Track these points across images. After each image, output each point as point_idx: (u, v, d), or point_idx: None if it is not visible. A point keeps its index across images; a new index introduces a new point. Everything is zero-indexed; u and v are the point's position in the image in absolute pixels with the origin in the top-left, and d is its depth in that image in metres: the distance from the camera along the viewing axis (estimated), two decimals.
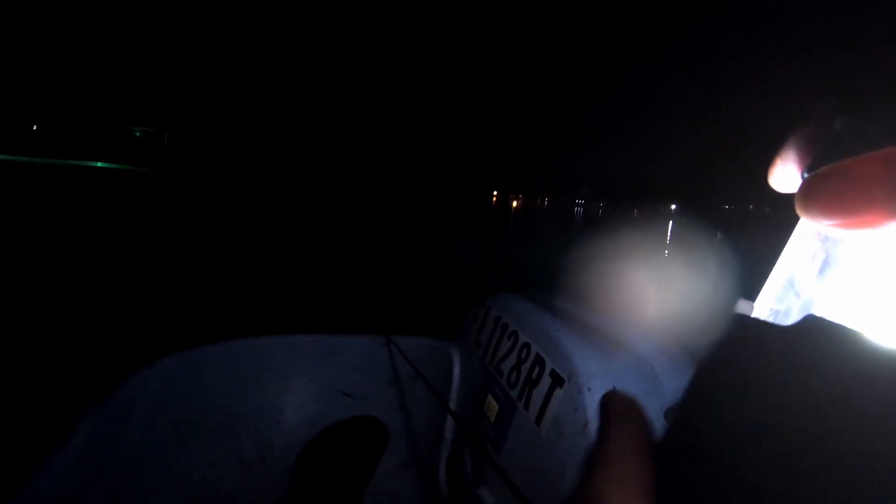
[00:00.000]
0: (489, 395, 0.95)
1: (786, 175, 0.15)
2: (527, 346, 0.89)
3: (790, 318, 0.15)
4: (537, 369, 0.83)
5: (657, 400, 0.68)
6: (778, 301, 0.16)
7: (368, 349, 1.16)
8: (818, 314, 0.13)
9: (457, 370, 1.13)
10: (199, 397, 1.00)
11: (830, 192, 0.13)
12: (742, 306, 0.16)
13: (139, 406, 0.90)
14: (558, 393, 0.76)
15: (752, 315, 0.15)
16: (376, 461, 1.08)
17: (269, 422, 1.05)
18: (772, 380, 0.13)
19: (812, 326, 0.13)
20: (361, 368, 1.15)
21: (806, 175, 0.15)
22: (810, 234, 0.15)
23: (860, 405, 0.11)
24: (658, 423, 0.16)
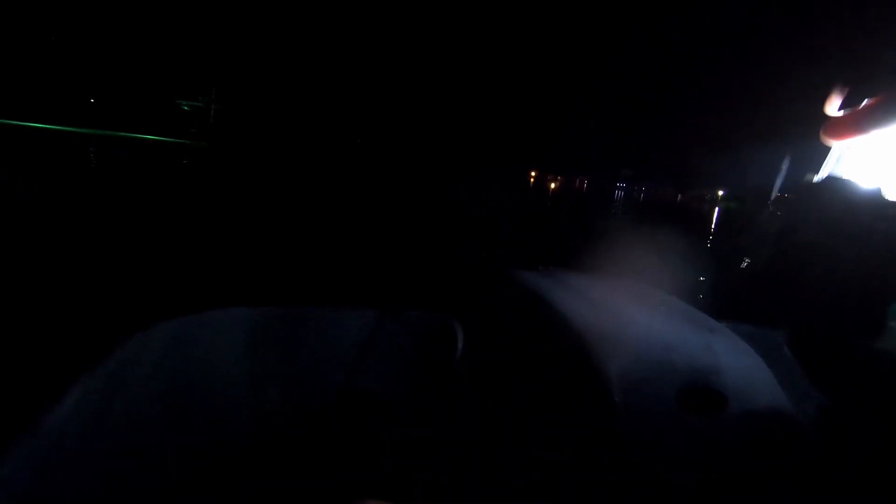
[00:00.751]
0: (494, 373, 0.93)
1: (830, 109, 0.33)
2: (538, 322, 0.86)
3: None
4: (551, 346, 0.81)
5: (675, 366, 0.65)
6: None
7: (369, 322, 1.16)
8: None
9: (461, 345, 1.12)
10: (197, 364, 1.00)
11: (831, 129, 0.34)
12: (808, 177, 0.36)
13: (135, 370, 0.90)
14: (572, 369, 0.74)
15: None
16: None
17: (270, 391, 1.05)
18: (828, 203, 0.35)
19: (834, 180, 0.35)
20: (363, 341, 1.15)
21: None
22: (836, 147, 0.35)
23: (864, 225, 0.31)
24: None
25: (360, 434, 1.06)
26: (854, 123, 0.33)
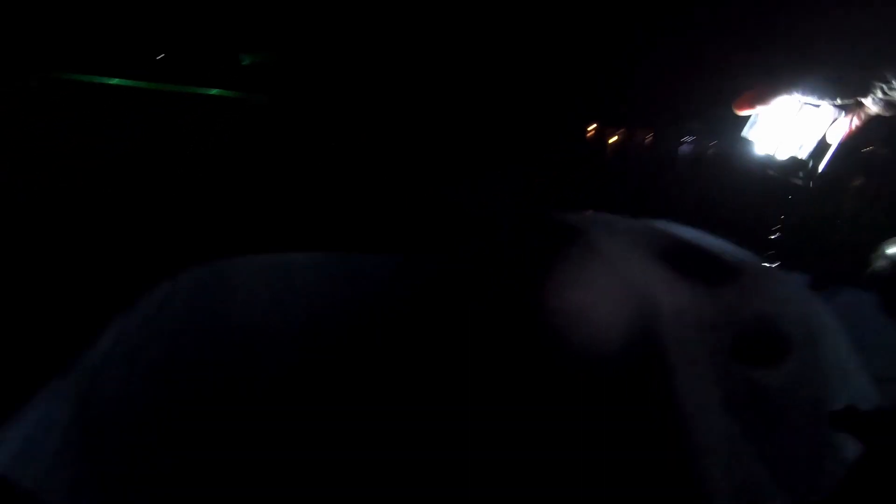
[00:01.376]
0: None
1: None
2: (578, 266, 0.82)
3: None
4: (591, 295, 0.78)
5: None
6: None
7: (395, 268, 1.08)
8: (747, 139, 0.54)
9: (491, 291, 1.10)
10: (226, 311, 1.01)
11: (739, 102, 0.51)
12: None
13: (168, 312, 0.85)
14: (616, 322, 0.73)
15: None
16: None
17: (299, 340, 1.01)
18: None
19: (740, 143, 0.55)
20: (389, 291, 1.08)
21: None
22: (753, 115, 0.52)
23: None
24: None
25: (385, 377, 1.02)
26: (754, 98, 0.51)
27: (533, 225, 1.03)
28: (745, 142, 0.56)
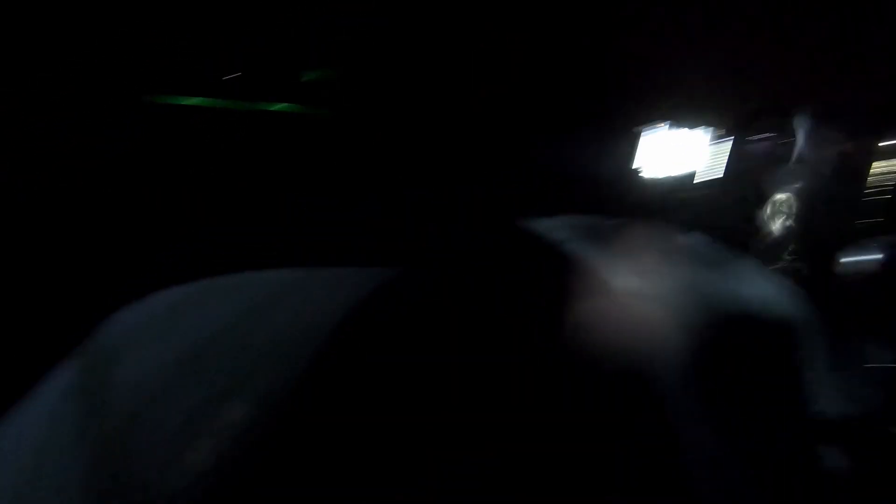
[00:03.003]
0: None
1: None
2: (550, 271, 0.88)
3: None
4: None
5: None
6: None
7: (395, 281, 1.10)
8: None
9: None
10: (206, 330, 0.97)
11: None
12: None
13: (137, 339, 0.89)
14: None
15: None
16: None
17: (285, 357, 0.96)
18: None
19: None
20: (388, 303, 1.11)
21: None
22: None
23: None
24: None
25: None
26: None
27: (503, 235, 1.09)
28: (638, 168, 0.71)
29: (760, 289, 0.73)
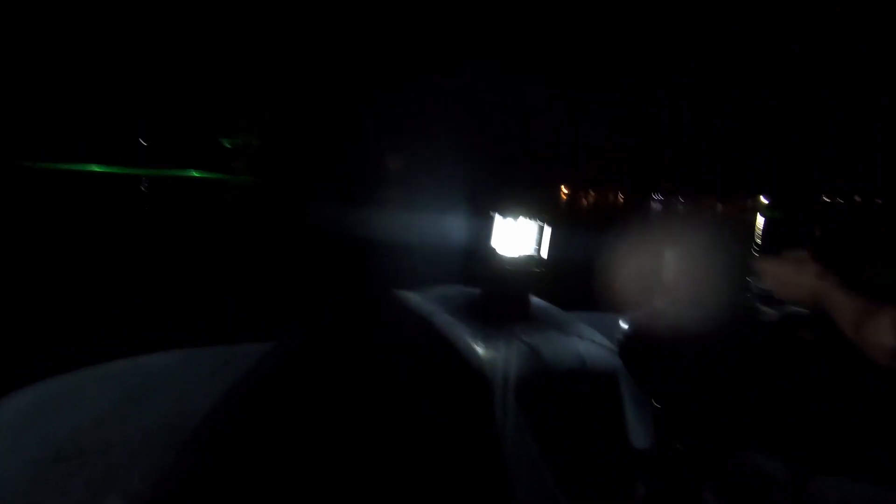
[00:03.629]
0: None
1: None
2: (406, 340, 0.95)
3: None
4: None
5: None
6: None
7: (270, 357, 1.03)
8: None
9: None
10: (68, 428, 0.85)
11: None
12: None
13: (14, 432, 0.81)
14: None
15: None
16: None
17: (159, 447, 0.85)
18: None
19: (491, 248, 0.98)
20: (264, 379, 0.98)
21: None
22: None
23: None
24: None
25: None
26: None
27: (377, 306, 1.09)
28: (493, 247, 0.89)
29: (582, 344, 0.87)
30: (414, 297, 0.97)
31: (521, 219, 0.92)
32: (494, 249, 0.91)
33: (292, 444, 0.73)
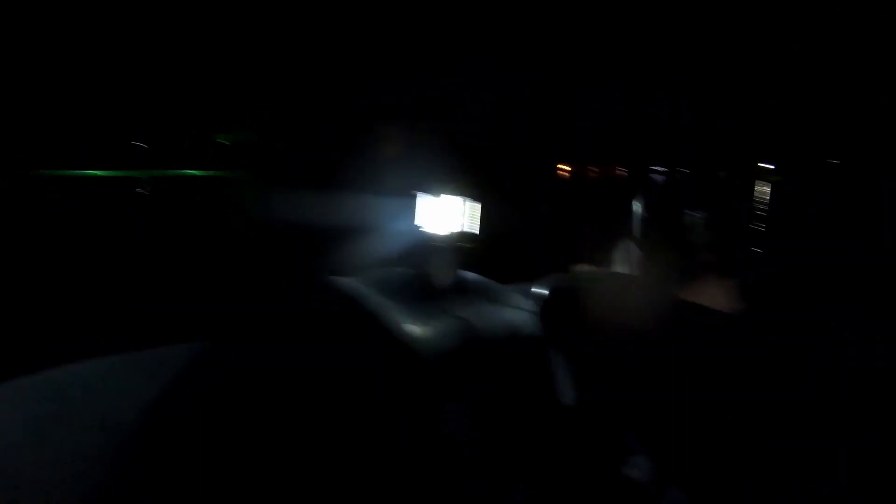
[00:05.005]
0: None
1: None
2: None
3: None
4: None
5: None
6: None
7: (187, 362, 0.88)
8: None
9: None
10: (17, 434, 0.75)
11: None
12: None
13: None
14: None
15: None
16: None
17: (93, 458, 0.75)
18: None
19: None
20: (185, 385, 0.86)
21: None
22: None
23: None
24: None
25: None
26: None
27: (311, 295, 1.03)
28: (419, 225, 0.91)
29: (512, 312, 0.92)
30: (347, 282, 0.99)
31: (446, 196, 0.94)
32: (420, 228, 0.94)
33: (231, 442, 0.73)
